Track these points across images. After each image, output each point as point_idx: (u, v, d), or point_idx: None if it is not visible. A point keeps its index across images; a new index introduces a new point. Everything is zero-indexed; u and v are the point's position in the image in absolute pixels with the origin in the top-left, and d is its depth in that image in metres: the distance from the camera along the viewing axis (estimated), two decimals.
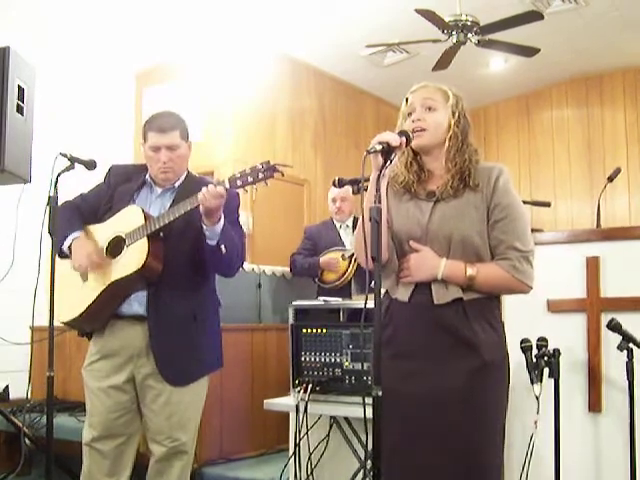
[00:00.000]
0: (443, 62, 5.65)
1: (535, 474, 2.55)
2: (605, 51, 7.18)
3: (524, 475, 2.53)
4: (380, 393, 1.66)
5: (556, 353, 2.51)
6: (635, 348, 2.40)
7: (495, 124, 8.58)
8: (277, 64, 6.72)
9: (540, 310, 2.69)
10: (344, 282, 4.28)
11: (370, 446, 1.80)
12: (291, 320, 3.00)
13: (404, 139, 1.86)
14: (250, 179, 2.26)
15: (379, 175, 1.80)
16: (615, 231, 2.83)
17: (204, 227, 2.37)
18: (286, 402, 3.00)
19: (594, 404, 2.59)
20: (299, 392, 2.87)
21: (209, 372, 2.62)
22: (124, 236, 2.46)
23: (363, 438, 2.60)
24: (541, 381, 2.47)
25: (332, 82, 7.51)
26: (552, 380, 2.51)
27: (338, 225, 4.51)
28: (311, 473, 2.93)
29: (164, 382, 2.45)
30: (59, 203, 2.42)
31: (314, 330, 2.93)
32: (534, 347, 2.53)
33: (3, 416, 3.79)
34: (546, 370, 2.51)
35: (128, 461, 2.54)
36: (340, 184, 3.44)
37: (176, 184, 2.60)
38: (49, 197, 2.39)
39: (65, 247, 2.52)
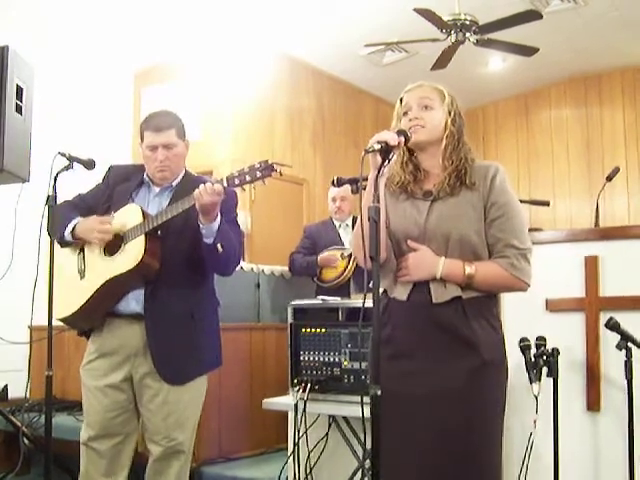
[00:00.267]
0: (442, 61, 5.65)
1: (534, 473, 2.55)
2: (604, 51, 7.18)
3: (523, 474, 2.53)
4: (379, 392, 1.65)
5: (555, 352, 2.51)
6: (634, 347, 2.40)
7: (494, 123, 8.58)
8: (276, 63, 6.72)
9: (539, 309, 2.69)
10: (343, 281, 4.27)
11: (369, 445, 1.80)
12: (290, 319, 3.00)
13: (402, 138, 1.86)
14: (248, 178, 2.26)
15: (377, 174, 1.80)
16: (614, 230, 2.83)
17: (200, 225, 2.37)
18: (285, 401, 3.00)
19: (593, 403, 2.59)
20: (298, 391, 2.87)
21: (207, 371, 2.61)
22: (122, 234, 2.46)
23: (362, 437, 2.60)
24: (540, 380, 2.47)
25: (331, 81, 7.51)
26: (551, 379, 2.51)
27: (338, 224, 4.51)
28: (310, 472, 2.93)
29: (161, 381, 2.45)
30: (58, 202, 2.43)
31: (313, 329, 2.93)
32: (533, 346, 2.53)
33: (2, 415, 3.79)
34: (545, 369, 2.50)
35: (126, 461, 2.53)
36: (339, 183, 3.45)
37: (174, 183, 2.60)
38: (48, 196, 2.39)
39: (67, 233, 2.52)
